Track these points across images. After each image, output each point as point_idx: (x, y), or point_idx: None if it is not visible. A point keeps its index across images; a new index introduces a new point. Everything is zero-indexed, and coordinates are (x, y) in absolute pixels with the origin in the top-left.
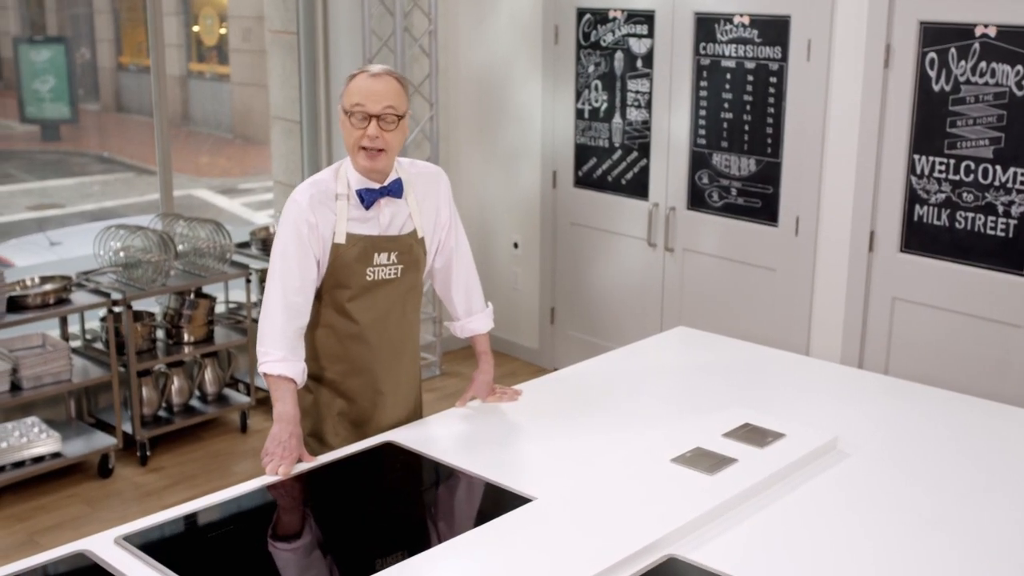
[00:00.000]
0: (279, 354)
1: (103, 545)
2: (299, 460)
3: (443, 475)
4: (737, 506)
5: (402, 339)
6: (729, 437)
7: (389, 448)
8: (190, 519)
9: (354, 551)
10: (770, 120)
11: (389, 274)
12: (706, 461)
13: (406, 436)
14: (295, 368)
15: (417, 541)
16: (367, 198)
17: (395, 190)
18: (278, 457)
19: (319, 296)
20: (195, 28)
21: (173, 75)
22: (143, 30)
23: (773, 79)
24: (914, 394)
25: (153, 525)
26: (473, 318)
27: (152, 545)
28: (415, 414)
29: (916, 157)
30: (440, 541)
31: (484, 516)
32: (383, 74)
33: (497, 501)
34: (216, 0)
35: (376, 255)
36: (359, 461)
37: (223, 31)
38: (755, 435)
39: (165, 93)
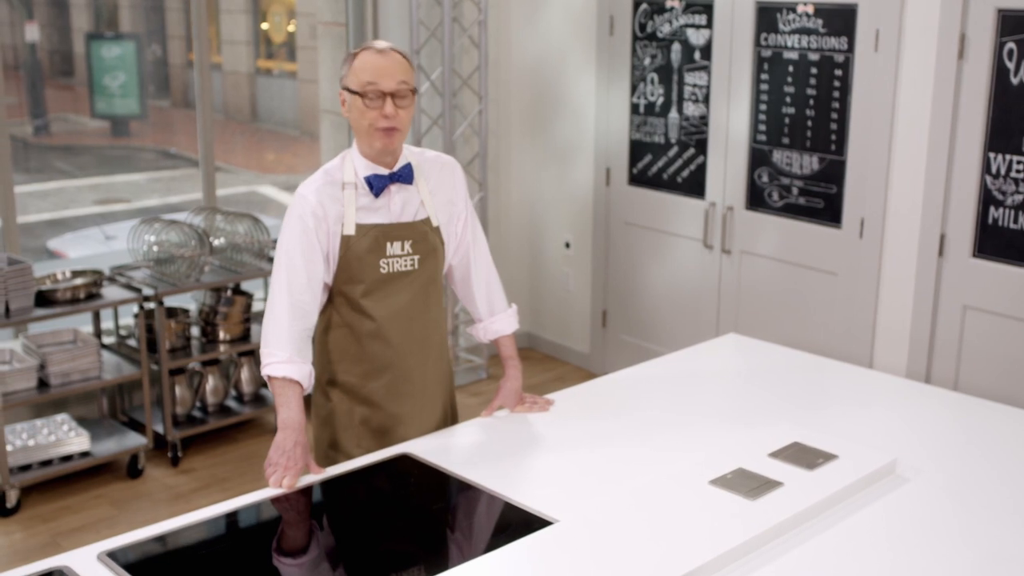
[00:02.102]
0: (283, 355)
1: (85, 561)
2: (306, 471)
3: (459, 492)
4: (780, 536)
5: (425, 335)
6: (775, 457)
7: (405, 460)
8: (183, 534)
9: (360, 571)
10: (834, 115)
11: (405, 265)
12: (748, 484)
13: (424, 447)
14: (301, 370)
15: (422, 566)
16: (376, 184)
17: (405, 175)
18: (282, 468)
19: (332, 294)
20: (264, 25)
21: (241, 72)
22: (214, 27)
23: (838, 71)
24: (985, 413)
25: (141, 540)
26: (496, 318)
27: (138, 563)
28: (448, 419)
29: (991, 155)
30: (447, 567)
31: (499, 540)
32: (388, 50)
33: (515, 523)
34: None
35: (389, 244)
36: (371, 473)
37: (291, 28)
38: (804, 455)
39: (208, 86)
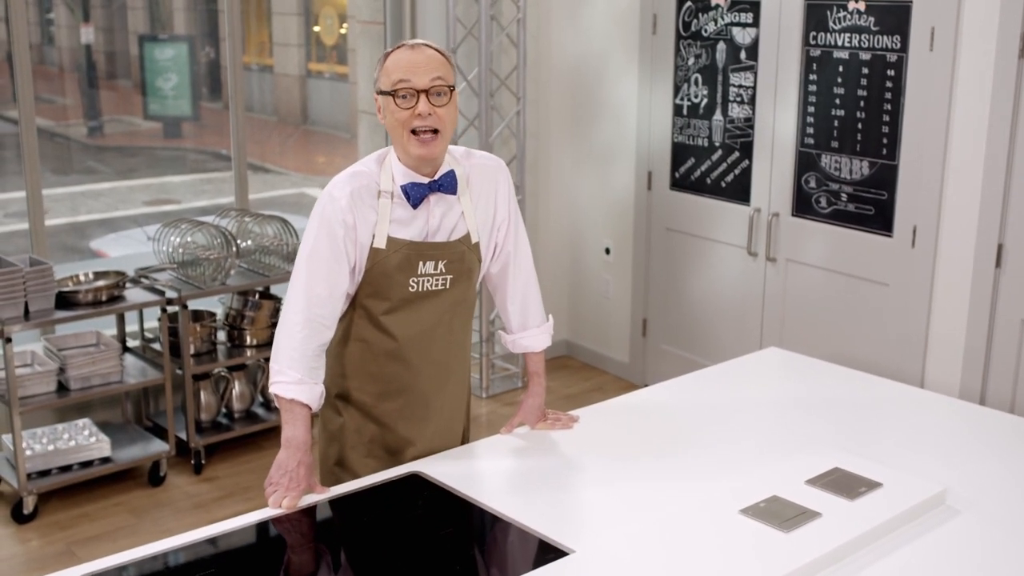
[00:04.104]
0: (295, 375)
1: None
2: (309, 491)
3: (469, 516)
4: (816, 573)
5: (448, 359)
6: (813, 484)
7: (414, 480)
8: (171, 557)
9: None
10: (886, 118)
11: (436, 285)
12: (782, 513)
13: (436, 467)
14: (311, 393)
15: None
16: (414, 195)
17: (448, 185)
18: (283, 487)
19: (352, 306)
20: (315, 28)
21: (292, 75)
22: (266, 30)
23: (891, 72)
24: None
25: (124, 563)
26: (527, 333)
27: None
28: (461, 443)
29: None
30: None
31: (508, 570)
32: (422, 46)
33: (527, 552)
34: (336, 0)
35: (421, 264)
36: (378, 494)
37: (343, 31)
38: (845, 483)
39: (240, 85)
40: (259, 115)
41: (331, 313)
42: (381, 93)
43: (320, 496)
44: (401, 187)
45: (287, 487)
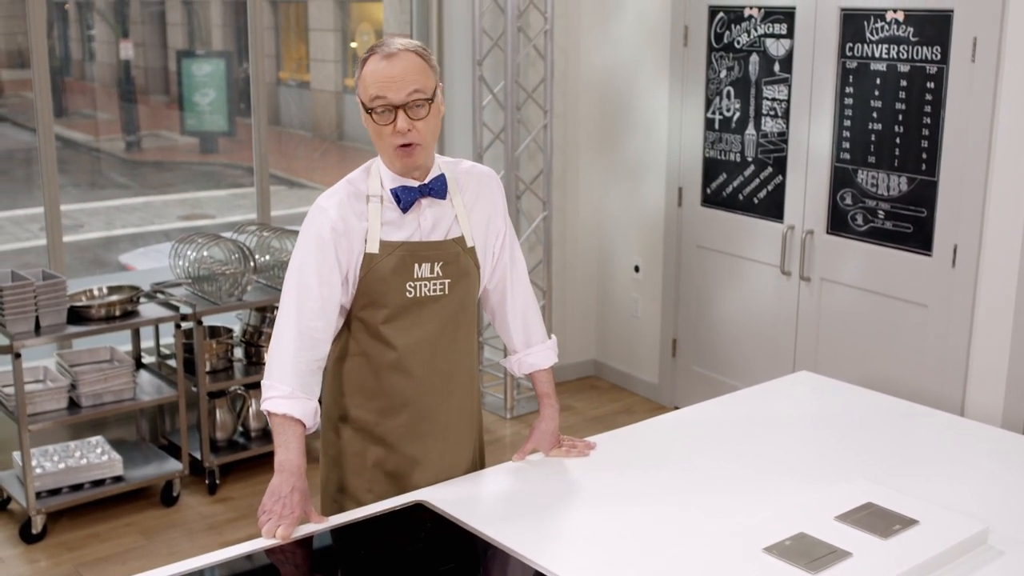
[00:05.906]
0: (285, 389)
1: None
2: (304, 520)
3: (476, 550)
4: None
5: (452, 370)
6: (844, 521)
7: (418, 510)
8: None
9: None
10: (926, 132)
11: (435, 289)
12: (809, 553)
13: (442, 496)
14: (304, 408)
15: None
16: (404, 198)
17: (437, 189)
18: (277, 515)
19: (350, 319)
20: (352, 44)
21: (328, 90)
22: (303, 46)
23: (930, 84)
24: None
25: None
26: (532, 350)
27: None
28: (474, 465)
29: None
30: None
31: None
32: (398, 51)
33: None
34: (373, 16)
35: (417, 266)
36: (379, 524)
37: None
38: (878, 520)
39: (262, 99)
40: (296, 131)
41: (324, 327)
42: (361, 103)
43: (318, 526)
44: (391, 190)
45: (280, 515)
